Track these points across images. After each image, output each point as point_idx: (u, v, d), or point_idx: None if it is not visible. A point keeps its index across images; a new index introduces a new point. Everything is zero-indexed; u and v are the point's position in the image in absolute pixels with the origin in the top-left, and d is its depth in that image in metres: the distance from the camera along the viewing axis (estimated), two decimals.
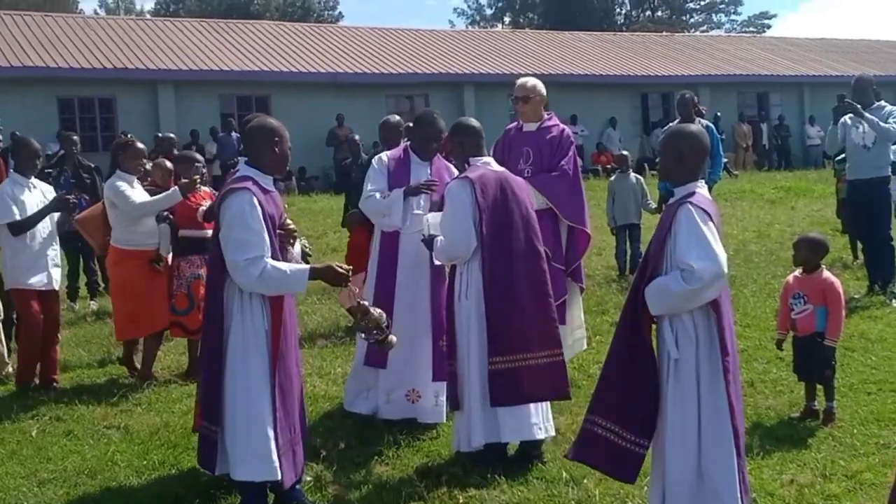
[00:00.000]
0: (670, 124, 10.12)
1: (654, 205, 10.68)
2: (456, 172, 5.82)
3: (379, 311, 4.51)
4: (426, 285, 5.78)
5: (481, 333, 4.93)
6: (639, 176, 11.50)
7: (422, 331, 5.75)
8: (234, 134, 20.97)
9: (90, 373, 7.35)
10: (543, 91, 6.71)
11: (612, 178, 11.64)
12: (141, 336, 7.12)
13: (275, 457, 4.31)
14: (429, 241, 5.17)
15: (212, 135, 21.07)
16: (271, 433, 4.31)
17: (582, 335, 6.86)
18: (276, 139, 4.45)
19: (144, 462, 5.35)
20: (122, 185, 6.87)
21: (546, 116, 6.74)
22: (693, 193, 3.97)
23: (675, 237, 3.88)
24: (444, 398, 5.63)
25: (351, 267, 4.46)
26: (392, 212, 5.84)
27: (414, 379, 5.75)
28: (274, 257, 4.31)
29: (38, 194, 6.82)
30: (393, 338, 4.60)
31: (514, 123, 6.96)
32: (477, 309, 4.95)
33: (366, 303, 4.51)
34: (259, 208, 4.27)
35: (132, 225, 6.89)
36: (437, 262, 5.39)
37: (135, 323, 6.94)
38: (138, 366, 7.10)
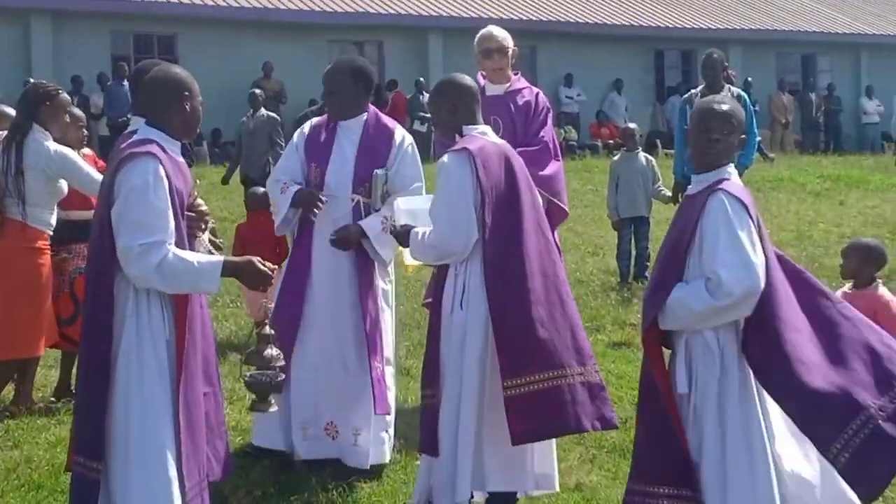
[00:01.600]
0: (692, 91, 10.20)
1: (667, 193, 10.73)
2: (403, 138, 5.92)
3: (277, 350, 4.42)
4: (347, 294, 5.79)
5: (484, 351, 4.83)
6: (649, 156, 11.56)
7: (341, 346, 5.77)
8: (127, 83, 20.77)
9: None
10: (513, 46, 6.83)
11: (616, 157, 11.70)
12: (41, 352, 6.86)
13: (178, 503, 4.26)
14: (401, 234, 5.13)
15: (99, 83, 20.88)
16: (173, 473, 4.25)
17: None
18: (186, 93, 4.39)
19: None
20: (66, 149, 6.67)
21: (514, 77, 6.84)
22: (723, 181, 3.99)
23: (702, 235, 3.90)
24: (379, 436, 5.73)
25: (276, 267, 4.42)
26: (278, 211, 5.92)
27: (330, 408, 5.76)
28: (179, 245, 4.25)
29: None
30: (273, 404, 4.46)
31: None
32: (477, 320, 4.84)
33: (270, 330, 4.41)
34: (166, 181, 4.22)
35: (54, 200, 6.70)
36: (411, 262, 5.34)
37: (39, 335, 6.62)
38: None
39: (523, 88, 6.79)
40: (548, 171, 6.53)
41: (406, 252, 5.19)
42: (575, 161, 21.81)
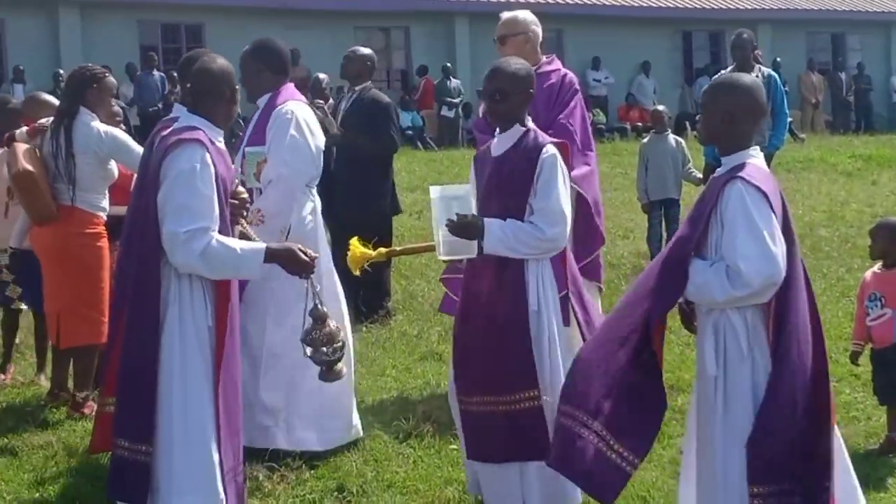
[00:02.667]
0: (722, 72, 10.15)
1: (698, 175, 10.70)
2: (279, 112, 5.70)
3: (336, 324, 4.49)
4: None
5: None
6: (679, 138, 11.52)
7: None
8: (156, 73, 20.88)
9: None
10: (536, 27, 6.55)
11: (645, 139, 11.66)
12: (103, 339, 6.28)
13: (220, 487, 4.32)
14: (472, 225, 4.63)
15: (128, 73, 20.96)
16: (216, 457, 4.31)
17: None
18: (234, 85, 4.53)
19: (37, 495, 5.35)
20: (115, 130, 6.62)
21: (545, 60, 6.60)
22: (743, 165, 3.96)
23: (719, 223, 3.90)
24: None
25: (317, 255, 4.44)
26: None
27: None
28: (223, 232, 4.31)
29: None
30: (343, 367, 4.54)
31: None
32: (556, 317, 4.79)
33: (324, 308, 4.47)
34: (212, 168, 4.29)
35: (105, 184, 6.63)
36: (448, 256, 4.93)
37: (101, 319, 6.31)
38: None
39: (552, 72, 6.51)
40: (575, 171, 6.00)
41: (445, 243, 4.72)
42: (604, 144, 21.71)
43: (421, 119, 23.26)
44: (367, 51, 8.39)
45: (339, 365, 4.49)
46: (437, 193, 4.74)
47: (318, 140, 5.81)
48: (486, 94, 4.84)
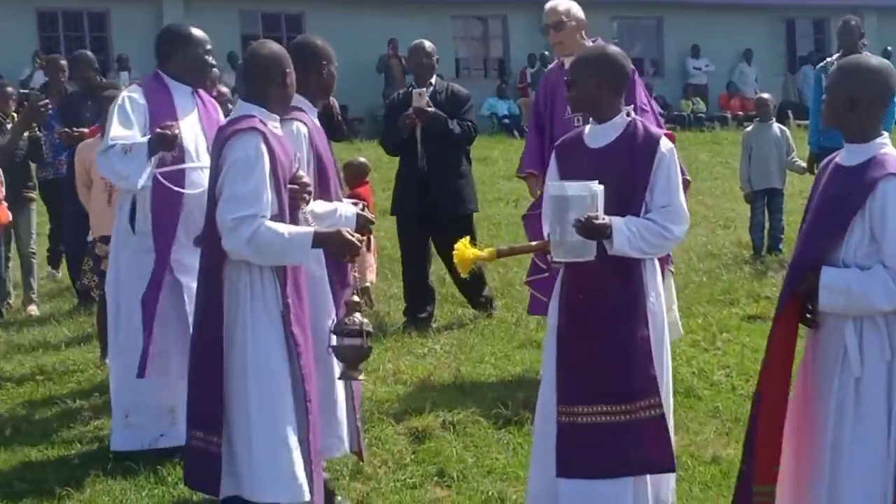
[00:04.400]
0: (828, 60, 9.97)
1: (802, 164, 10.51)
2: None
3: (367, 322, 4.43)
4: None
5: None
6: (783, 126, 11.34)
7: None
8: None
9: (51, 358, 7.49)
10: (580, 14, 6.60)
11: (749, 128, 11.49)
12: None
13: (301, 473, 4.35)
14: (603, 227, 4.28)
15: (230, 62, 21.23)
16: (295, 443, 4.35)
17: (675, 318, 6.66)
18: (285, 69, 4.48)
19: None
20: None
21: (591, 45, 6.46)
22: (885, 159, 3.76)
23: (875, 220, 3.72)
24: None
25: (364, 238, 4.42)
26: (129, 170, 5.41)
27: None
28: (280, 218, 4.33)
29: None
30: (361, 371, 4.50)
31: (556, 62, 6.79)
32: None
33: (359, 300, 4.43)
34: (267, 156, 4.30)
35: None
36: (481, 253, 4.65)
37: None
38: None
39: None
40: None
41: (564, 244, 4.34)
42: (704, 133, 21.50)
43: (518, 108, 23.21)
44: (430, 45, 8.28)
45: (361, 366, 4.44)
46: (557, 191, 4.34)
47: None
48: (567, 82, 4.61)
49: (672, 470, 4.45)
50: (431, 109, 7.82)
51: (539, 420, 4.65)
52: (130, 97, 5.59)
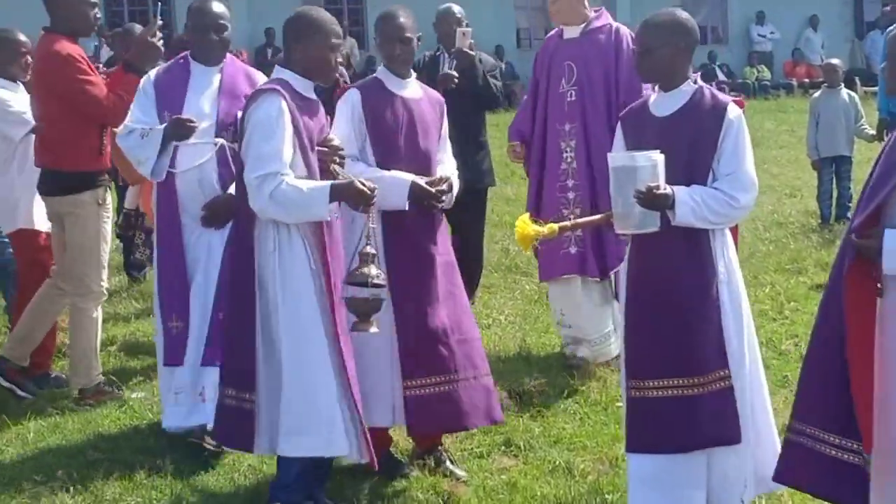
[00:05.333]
0: None
1: (871, 131, 10.36)
2: (259, 79, 5.29)
3: (382, 273, 4.41)
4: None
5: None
6: (852, 92, 11.17)
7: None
8: None
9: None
10: None
11: (816, 94, 11.33)
12: None
13: (339, 424, 4.41)
14: (664, 197, 4.18)
15: None
16: (332, 398, 4.41)
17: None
18: (311, 34, 4.51)
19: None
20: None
21: (592, 14, 6.32)
22: None
23: None
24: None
25: (375, 186, 4.41)
26: (146, 157, 5.27)
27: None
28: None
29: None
30: (374, 324, 4.42)
31: (555, 31, 6.55)
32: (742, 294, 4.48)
33: (373, 250, 4.41)
34: (287, 115, 4.38)
35: None
36: (542, 230, 4.52)
37: None
38: None
39: (602, 27, 6.25)
40: None
41: (629, 215, 4.26)
42: (769, 101, 21.24)
43: None
44: (460, 9, 7.85)
45: (373, 318, 4.41)
46: (618, 161, 4.28)
47: None
48: (635, 51, 4.53)
49: (736, 441, 4.34)
50: (474, 53, 7.53)
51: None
52: (147, 78, 5.48)
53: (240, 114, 4.70)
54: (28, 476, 5.15)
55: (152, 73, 5.51)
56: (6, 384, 6.20)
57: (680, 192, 4.18)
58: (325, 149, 4.54)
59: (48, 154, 5.99)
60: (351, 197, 4.41)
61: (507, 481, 5.00)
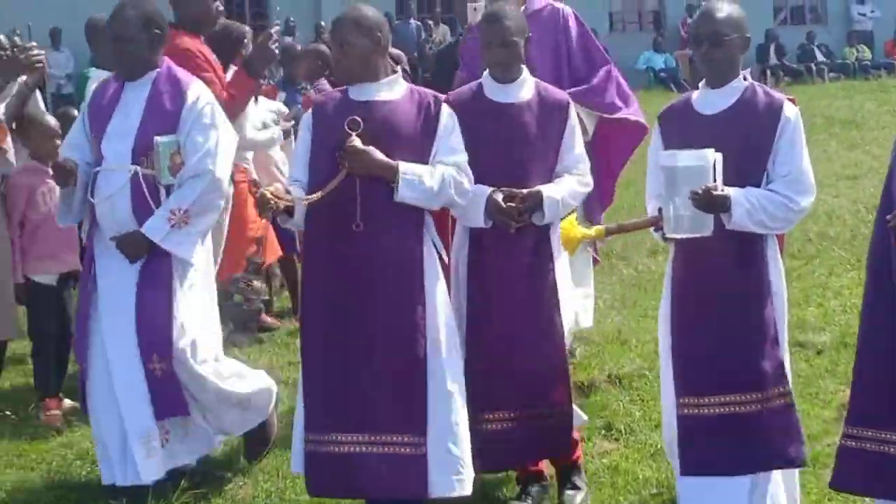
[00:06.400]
0: None
1: None
2: (198, 96, 4.70)
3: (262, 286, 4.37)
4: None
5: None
6: None
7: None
8: (413, 21, 21.22)
9: None
10: None
11: None
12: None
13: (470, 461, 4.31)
14: (722, 198, 3.94)
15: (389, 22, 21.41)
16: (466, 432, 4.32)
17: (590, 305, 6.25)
18: (334, 38, 4.33)
19: None
20: None
21: None
22: None
23: None
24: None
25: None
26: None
27: None
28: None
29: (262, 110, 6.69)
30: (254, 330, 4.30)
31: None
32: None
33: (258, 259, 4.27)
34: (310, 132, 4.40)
35: None
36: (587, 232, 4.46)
37: None
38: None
39: (543, 9, 5.85)
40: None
41: (680, 218, 4.00)
42: (869, 82, 20.84)
43: (675, 61, 22.84)
44: None
45: (248, 334, 4.26)
46: (671, 161, 4.00)
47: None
48: (697, 39, 4.14)
49: (801, 463, 4.16)
50: None
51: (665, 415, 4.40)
52: (87, 97, 5.11)
53: (159, 139, 4.53)
54: None
55: (92, 89, 5.19)
56: None
57: (735, 193, 3.93)
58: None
59: None
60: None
61: (609, 465, 5.02)
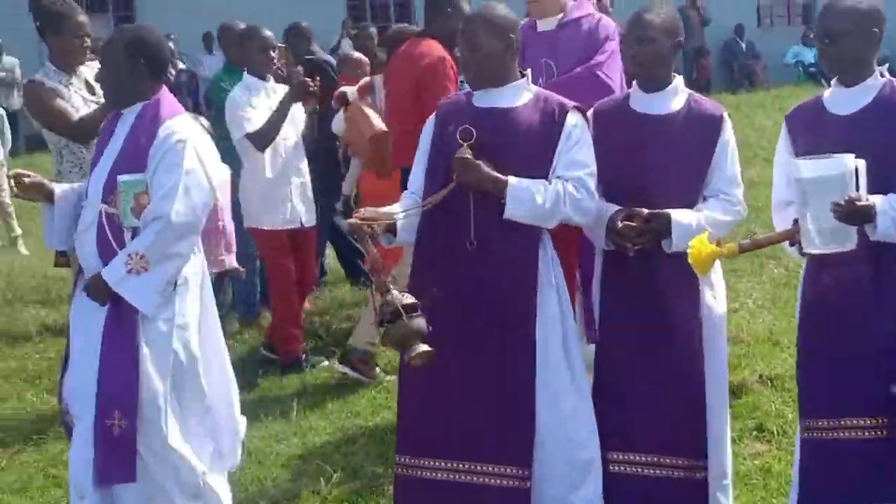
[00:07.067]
0: None
1: None
2: (169, 133, 4.19)
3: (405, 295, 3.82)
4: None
5: None
6: None
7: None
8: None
9: None
10: None
11: None
12: None
13: None
14: (865, 209, 3.61)
15: None
16: None
17: None
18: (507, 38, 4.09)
19: None
20: None
21: (572, 3, 5.44)
22: None
23: None
24: None
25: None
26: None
27: None
28: None
29: (276, 101, 6.62)
30: (423, 345, 3.75)
31: (527, 20, 5.49)
32: None
33: (384, 278, 3.85)
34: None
35: None
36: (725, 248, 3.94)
37: None
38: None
39: (583, 18, 5.36)
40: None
41: (822, 232, 3.67)
42: None
43: None
44: None
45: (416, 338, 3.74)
46: (810, 172, 3.63)
47: (214, 171, 4.37)
48: (816, 35, 3.96)
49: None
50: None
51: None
52: None
53: (122, 178, 4.15)
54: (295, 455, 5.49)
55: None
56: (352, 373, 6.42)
57: (879, 201, 3.63)
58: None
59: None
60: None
61: (761, 466, 4.97)
